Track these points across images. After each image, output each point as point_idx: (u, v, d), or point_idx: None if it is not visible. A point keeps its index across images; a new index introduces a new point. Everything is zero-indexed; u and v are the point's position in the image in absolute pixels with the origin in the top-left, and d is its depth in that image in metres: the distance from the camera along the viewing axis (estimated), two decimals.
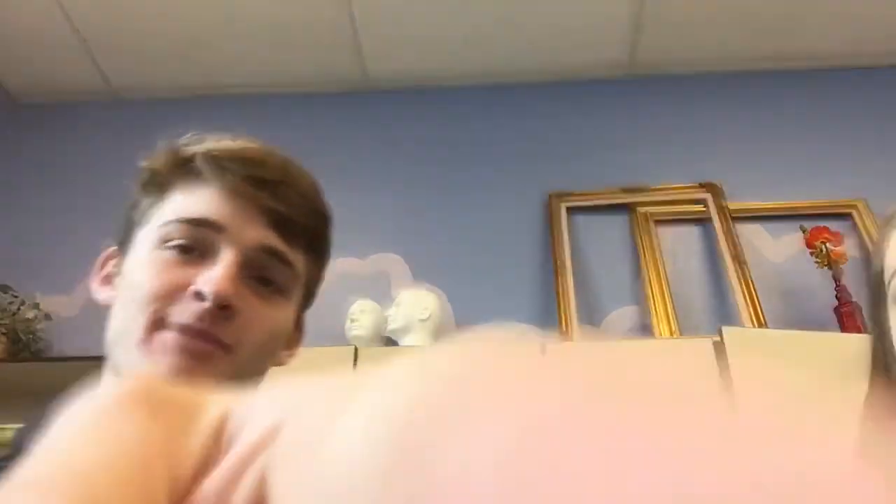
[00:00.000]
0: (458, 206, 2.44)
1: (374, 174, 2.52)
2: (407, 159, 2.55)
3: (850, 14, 2.42)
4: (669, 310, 2.10)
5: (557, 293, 2.17)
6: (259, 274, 0.66)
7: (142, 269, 0.65)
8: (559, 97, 2.66)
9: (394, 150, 2.57)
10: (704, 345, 1.76)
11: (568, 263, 2.22)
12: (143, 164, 0.71)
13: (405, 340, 2.03)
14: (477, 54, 2.60)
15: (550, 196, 2.40)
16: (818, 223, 2.18)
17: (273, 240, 0.67)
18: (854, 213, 2.29)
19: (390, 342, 2.08)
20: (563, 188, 2.41)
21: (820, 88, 2.58)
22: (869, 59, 2.59)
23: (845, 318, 1.98)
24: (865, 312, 0.72)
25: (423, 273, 2.28)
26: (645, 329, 2.13)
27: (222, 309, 0.62)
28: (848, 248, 2.13)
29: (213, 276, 0.62)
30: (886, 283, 0.65)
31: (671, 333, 2.04)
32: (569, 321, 2.08)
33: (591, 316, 2.20)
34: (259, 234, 0.66)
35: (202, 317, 0.61)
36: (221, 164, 0.67)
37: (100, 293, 0.71)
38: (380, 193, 2.46)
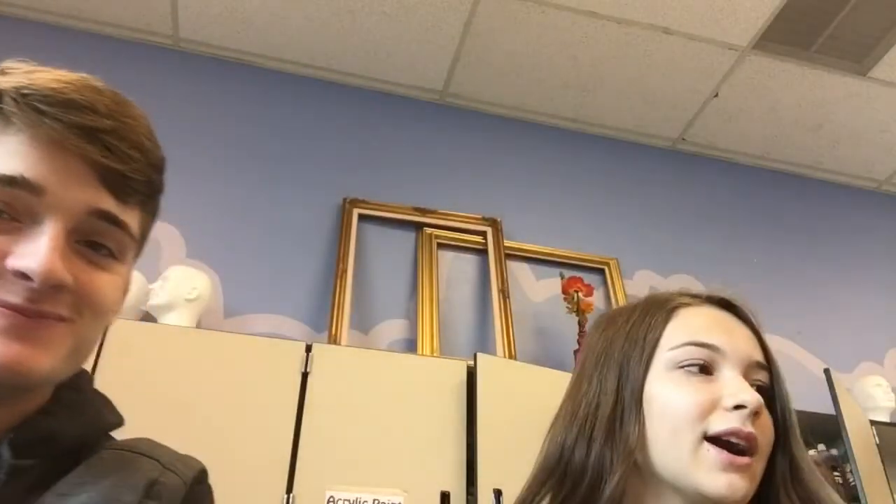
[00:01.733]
0: (251, 187, 2.37)
1: (172, 134, 2.37)
2: (210, 129, 2.43)
3: (638, 94, 2.75)
4: (435, 329, 2.21)
5: (334, 295, 2.18)
6: (89, 238, 0.57)
7: None
8: (373, 106, 2.70)
9: (198, 115, 2.44)
10: (459, 367, 1.87)
11: (350, 268, 2.25)
12: None
13: (165, 319, 1.92)
14: (305, 39, 2.56)
15: (345, 200, 2.42)
16: (576, 273, 2.43)
17: (105, 201, 0.57)
18: (606, 269, 2.58)
19: (149, 317, 1.96)
20: (360, 195, 2.45)
21: (602, 155, 2.89)
22: (647, 139, 2.95)
23: None
24: (603, 360, 0.81)
25: (198, 251, 2.18)
26: (409, 344, 2.22)
27: (53, 287, 0.53)
28: (596, 299, 2.39)
29: (37, 252, 0.52)
30: (664, 350, 0.75)
31: (432, 352, 2.14)
32: (340, 325, 2.11)
33: (363, 323, 2.24)
34: (88, 195, 0.56)
35: (31, 298, 0.52)
36: (37, 107, 0.54)
37: None
38: (169, 153, 2.32)
